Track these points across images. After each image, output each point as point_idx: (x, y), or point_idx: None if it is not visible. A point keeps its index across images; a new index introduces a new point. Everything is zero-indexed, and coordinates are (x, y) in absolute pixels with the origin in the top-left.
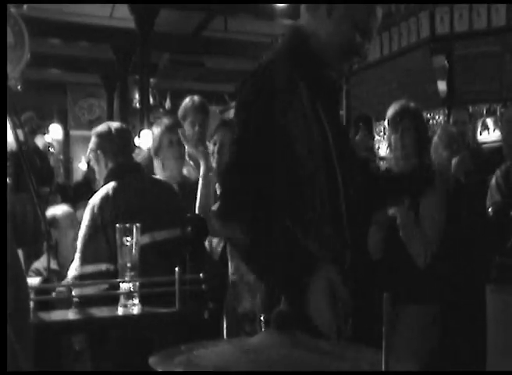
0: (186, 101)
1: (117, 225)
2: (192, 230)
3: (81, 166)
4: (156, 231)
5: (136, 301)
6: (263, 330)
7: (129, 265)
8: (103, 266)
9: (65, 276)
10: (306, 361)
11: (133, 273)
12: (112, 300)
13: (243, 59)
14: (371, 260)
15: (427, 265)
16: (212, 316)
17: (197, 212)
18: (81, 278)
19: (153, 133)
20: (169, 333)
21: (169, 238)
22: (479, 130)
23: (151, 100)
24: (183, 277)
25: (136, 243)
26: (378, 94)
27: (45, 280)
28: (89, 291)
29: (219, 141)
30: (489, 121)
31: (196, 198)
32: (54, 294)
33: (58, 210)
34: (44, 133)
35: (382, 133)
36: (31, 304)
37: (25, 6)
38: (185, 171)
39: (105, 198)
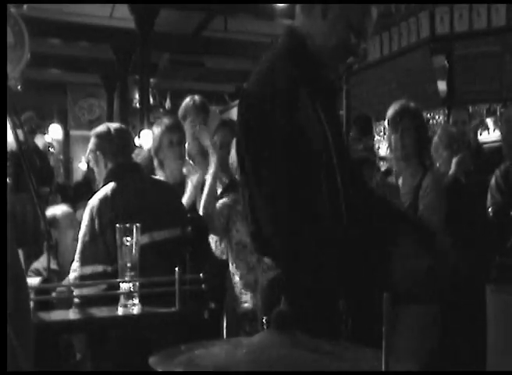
0: (187, 100)
1: (117, 225)
2: (192, 230)
3: (81, 166)
4: (155, 231)
5: (136, 301)
6: (263, 330)
7: (129, 265)
8: (100, 268)
9: (64, 276)
10: (306, 361)
11: (133, 273)
12: (112, 300)
13: (243, 59)
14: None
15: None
16: (212, 316)
17: (200, 209)
18: (81, 279)
19: (153, 133)
20: (169, 333)
21: (169, 238)
22: (479, 130)
23: (151, 100)
24: (183, 277)
25: (136, 243)
26: (378, 94)
27: (45, 280)
28: (88, 291)
29: (219, 142)
30: (489, 121)
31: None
32: (54, 294)
33: (57, 210)
34: (44, 133)
35: (382, 133)
36: (31, 304)
37: (25, 6)
38: (185, 171)
39: (104, 200)
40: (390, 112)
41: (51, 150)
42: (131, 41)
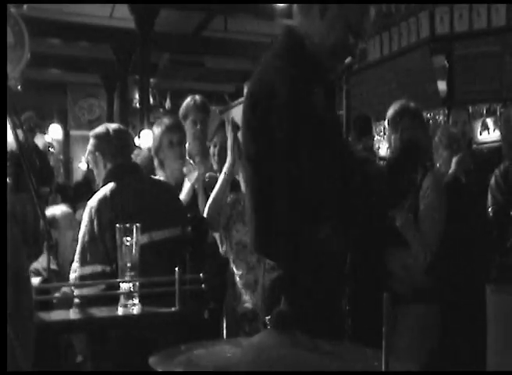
0: (188, 100)
1: (117, 225)
2: (192, 230)
3: (81, 166)
4: (154, 231)
5: (136, 301)
6: (263, 330)
7: (129, 265)
8: (99, 268)
9: (64, 276)
10: (306, 361)
11: (133, 273)
12: (112, 300)
13: (243, 59)
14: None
15: (427, 265)
16: (212, 316)
17: (207, 207)
18: (80, 279)
19: (153, 133)
20: (169, 333)
21: (168, 238)
22: (479, 130)
23: (151, 100)
24: (183, 277)
25: (136, 243)
26: (378, 94)
27: (45, 280)
28: (88, 291)
29: (219, 143)
30: (489, 121)
31: (196, 197)
32: (58, 295)
33: (57, 210)
34: (44, 133)
35: (382, 133)
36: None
37: (25, 6)
38: (185, 170)
39: (103, 200)
40: (390, 112)
41: (51, 150)
42: (131, 41)
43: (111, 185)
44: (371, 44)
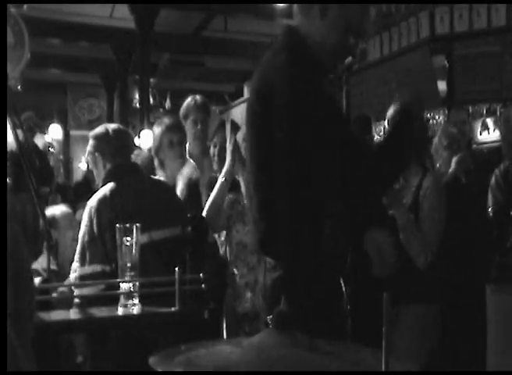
0: (188, 100)
1: (117, 225)
2: (192, 230)
3: (81, 166)
4: (154, 231)
5: (136, 301)
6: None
7: (129, 265)
8: (98, 267)
9: (63, 276)
10: (306, 361)
11: (133, 273)
12: (112, 300)
13: (243, 59)
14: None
15: (427, 265)
16: (212, 316)
17: (206, 208)
18: (80, 279)
19: (154, 133)
20: (169, 333)
21: (167, 238)
22: (479, 130)
23: (151, 100)
24: (183, 277)
25: (136, 243)
26: (378, 94)
27: (45, 281)
28: (88, 291)
29: (219, 143)
30: (489, 121)
31: (196, 197)
32: (56, 295)
33: (56, 210)
34: (44, 133)
35: (381, 133)
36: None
37: (25, 6)
38: (186, 170)
39: (103, 200)
40: (390, 112)
41: (51, 150)
42: (131, 41)
43: (110, 185)
44: (371, 44)
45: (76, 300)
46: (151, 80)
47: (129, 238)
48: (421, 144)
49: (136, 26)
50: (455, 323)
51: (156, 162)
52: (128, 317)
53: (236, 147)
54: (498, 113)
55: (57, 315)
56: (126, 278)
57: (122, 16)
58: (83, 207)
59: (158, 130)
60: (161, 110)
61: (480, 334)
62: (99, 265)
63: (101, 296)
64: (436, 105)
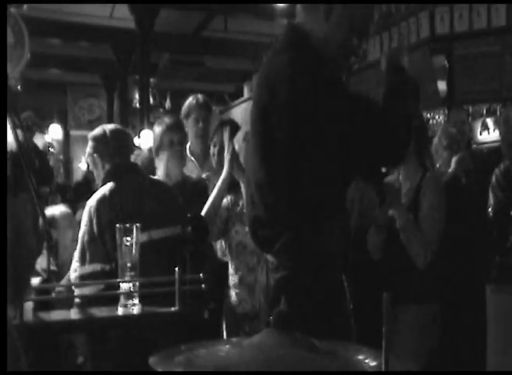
0: (190, 99)
1: (117, 225)
2: (192, 230)
3: (81, 166)
4: (153, 230)
5: (136, 301)
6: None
7: (129, 265)
8: (98, 266)
9: (63, 276)
10: (306, 361)
11: (133, 273)
12: (112, 300)
13: (243, 59)
14: (371, 260)
15: (427, 265)
16: (212, 316)
17: (203, 212)
18: (81, 278)
19: (154, 133)
20: (169, 333)
21: (167, 237)
22: (479, 130)
23: (151, 100)
24: (183, 277)
25: (136, 243)
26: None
27: (45, 281)
28: (88, 290)
29: (219, 143)
30: (489, 121)
31: (197, 197)
32: (54, 295)
33: (56, 210)
34: (44, 133)
35: None
36: (31, 304)
37: (25, 6)
38: (188, 166)
39: (102, 200)
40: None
41: (51, 150)
42: (131, 41)
43: (110, 185)
44: (371, 44)
45: (77, 300)
46: (151, 80)
47: (129, 238)
48: (421, 144)
49: (136, 26)
50: (455, 323)
51: (156, 162)
52: (128, 317)
53: (233, 155)
54: (498, 113)
55: (57, 315)
56: (126, 278)
57: (122, 16)
58: (83, 207)
59: (158, 129)
60: (161, 110)
61: (480, 334)
62: (99, 264)
63: (101, 296)
64: (436, 105)
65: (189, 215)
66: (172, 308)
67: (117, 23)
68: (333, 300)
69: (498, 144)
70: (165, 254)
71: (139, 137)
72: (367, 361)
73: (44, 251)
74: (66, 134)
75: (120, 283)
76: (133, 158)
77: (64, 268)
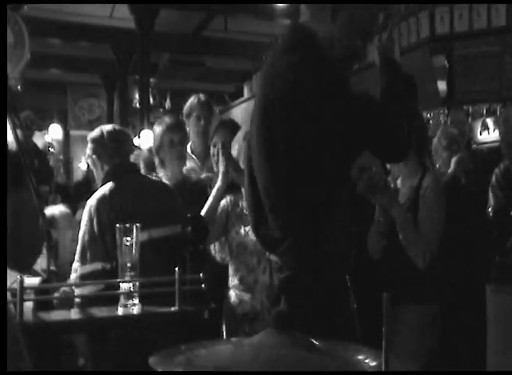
0: (192, 99)
1: (117, 225)
2: (192, 230)
3: (81, 166)
4: (153, 228)
5: (136, 301)
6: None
7: (129, 265)
8: (99, 265)
9: (63, 276)
10: (306, 361)
11: (133, 273)
12: (112, 300)
13: (243, 59)
14: (372, 260)
15: (427, 265)
16: (212, 316)
17: (203, 211)
18: (81, 278)
19: (154, 133)
20: (169, 333)
21: (166, 236)
22: (479, 130)
23: (151, 100)
24: (183, 277)
25: (136, 243)
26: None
27: (45, 281)
28: (89, 290)
29: (219, 143)
30: (489, 121)
31: (197, 197)
32: (58, 295)
33: (55, 210)
34: (44, 133)
35: None
36: (31, 304)
37: (25, 6)
38: (188, 165)
39: (102, 199)
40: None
41: (51, 150)
42: (131, 41)
43: (110, 184)
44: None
45: (77, 300)
46: (151, 80)
47: (128, 238)
48: (421, 144)
49: (136, 26)
50: (455, 323)
51: (157, 162)
52: (128, 317)
53: (229, 159)
54: (498, 113)
55: (57, 315)
56: (126, 278)
57: (122, 16)
58: (83, 207)
59: (158, 129)
60: (161, 110)
61: (480, 334)
62: (100, 263)
63: (101, 296)
64: (436, 105)
65: (189, 215)
66: (172, 308)
67: (117, 23)
68: (335, 300)
69: (498, 144)
70: (165, 253)
71: (139, 137)
72: (367, 361)
73: (44, 251)
74: (66, 134)
75: (120, 283)
76: (132, 158)
77: (64, 268)
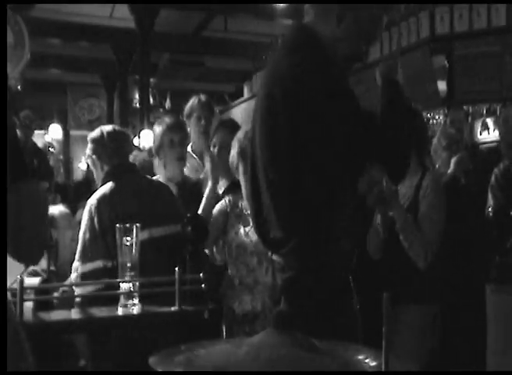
0: (192, 99)
1: (117, 225)
2: (192, 230)
3: (81, 166)
4: (154, 227)
5: (136, 301)
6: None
7: (129, 265)
8: (100, 263)
9: (62, 276)
10: (306, 361)
11: (133, 273)
12: (112, 300)
13: (243, 59)
14: (372, 260)
15: (427, 265)
16: (212, 316)
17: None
18: (82, 276)
19: (154, 133)
20: (169, 333)
21: (167, 235)
22: (479, 130)
23: (151, 100)
24: (183, 277)
25: (136, 243)
26: (378, 94)
27: (45, 281)
28: (90, 288)
29: (218, 143)
30: (489, 121)
31: (197, 197)
32: (57, 294)
33: (55, 210)
34: (44, 133)
35: None
36: (31, 304)
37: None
38: (188, 165)
39: (103, 198)
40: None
41: (51, 150)
42: (131, 41)
43: (110, 184)
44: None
45: (77, 299)
46: (151, 80)
47: (129, 238)
48: (421, 144)
49: (136, 26)
50: (455, 323)
51: (156, 162)
52: (128, 317)
53: (215, 164)
54: (498, 113)
55: (57, 315)
56: (126, 278)
57: (122, 16)
58: (83, 207)
59: (158, 129)
60: (161, 110)
61: (480, 334)
62: (101, 261)
63: (101, 296)
64: (436, 105)
65: (189, 215)
66: (172, 308)
67: (117, 23)
68: (338, 300)
69: (498, 144)
70: (165, 252)
71: (139, 137)
72: (367, 361)
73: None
74: (66, 134)
75: (120, 283)
76: (130, 159)
77: (64, 268)
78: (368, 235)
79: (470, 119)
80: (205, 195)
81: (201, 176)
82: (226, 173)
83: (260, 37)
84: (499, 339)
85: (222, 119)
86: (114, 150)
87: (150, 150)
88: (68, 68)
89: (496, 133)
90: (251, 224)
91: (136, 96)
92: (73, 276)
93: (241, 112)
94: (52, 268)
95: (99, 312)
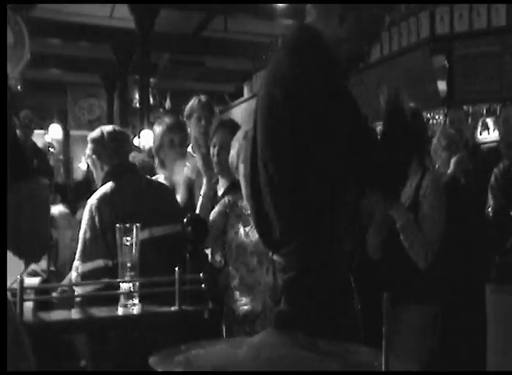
0: (193, 100)
1: (117, 225)
2: (192, 230)
3: (81, 166)
4: (154, 227)
5: (136, 301)
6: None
7: (129, 265)
8: (101, 262)
9: (63, 276)
10: (306, 361)
11: (133, 273)
12: (112, 300)
13: (243, 59)
14: (372, 260)
15: (427, 265)
16: (212, 316)
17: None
18: (82, 276)
19: (154, 133)
20: (169, 333)
21: (167, 234)
22: (479, 130)
23: (151, 100)
24: (183, 277)
25: (136, 243)
26: (378, 94)
27: (45, 281)
28: (90, 288)
29: (218, 143)
30: (489, 121)
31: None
32: (56, 294)
33: (55, 210)
34: (44, 133)
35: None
36: (31, 304)
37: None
38: (188, 164)
39: (103, 198)
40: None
41: (51, 150)
42: (131, 41)
43: (110, 184)
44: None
45: (77, 299)
46: (151, 80)
47: (129, 238)
48: (421, 144)
49: (136, 26)
50: (455, 323)
51: (156, 162)
52: (128, 317)
53: (208, 165)
54: (498, 113)
55: (57, 315)
56: (126, 278)
57: (122, 16)
58: (83, 207)
59: (158, 129)
60: (161, 110)
61: (480, 334)
62: (101, 260)
63: (101, 296)
64: (436, 105)
65: (189, 215)
66: (172, 308)
67: (117, 23)
68: (339, 300)
69: (498, 144)
70: (165, 251)
71: (139, 137)
72: (367, 361)
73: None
74: (66, 134)
75: (120, 283)
76: (130, 158)
77: (64, 268)
78: (367, 235)
79: (470, 119)
80: (202, 193)
81: (193, 176)
82: (226, 173)
83: (260, 37)
84: (499, 339)
85: (222, 120)
86: (114, 150)
87: (150, 150)
88: (68, 68)
89: (496, 133)
90: (251, 224)
91: (136, 96)
92: (73, 275)
93: (241, 112)
94: (52, 268)
95: (99, 312)
